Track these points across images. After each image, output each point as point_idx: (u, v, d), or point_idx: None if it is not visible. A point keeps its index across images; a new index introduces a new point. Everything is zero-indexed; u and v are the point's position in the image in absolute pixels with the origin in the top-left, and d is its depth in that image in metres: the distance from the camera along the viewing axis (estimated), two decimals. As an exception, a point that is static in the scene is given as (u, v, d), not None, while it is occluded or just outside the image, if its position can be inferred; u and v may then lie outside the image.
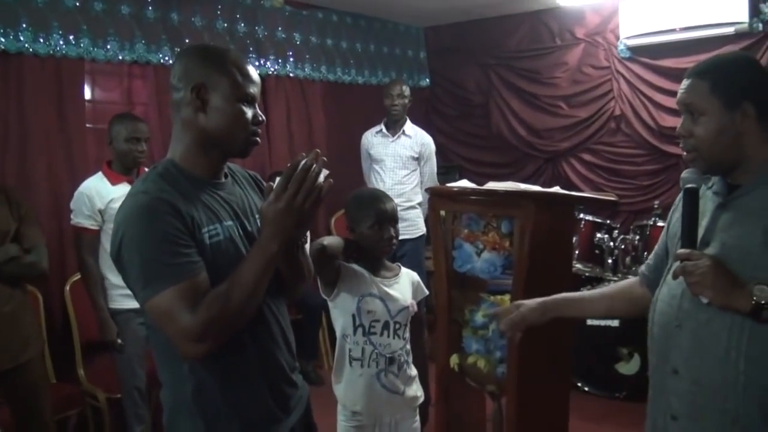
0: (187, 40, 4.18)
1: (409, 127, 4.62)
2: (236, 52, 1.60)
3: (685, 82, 1.59)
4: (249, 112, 1.53)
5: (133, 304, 3.18)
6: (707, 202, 1.61)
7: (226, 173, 1.63)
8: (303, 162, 1.41)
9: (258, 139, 1.58)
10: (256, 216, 1.62)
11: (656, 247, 1.84)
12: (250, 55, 4.61)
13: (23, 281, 2.89)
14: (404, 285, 2.41)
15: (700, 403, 1.53)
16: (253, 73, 1.56)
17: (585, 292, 2.03)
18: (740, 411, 1.46)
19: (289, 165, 1.43)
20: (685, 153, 1.61)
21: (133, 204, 1.44)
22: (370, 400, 2.30)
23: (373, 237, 2.32)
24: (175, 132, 1.56)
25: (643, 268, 1.90)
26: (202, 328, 1.37)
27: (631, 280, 1.97)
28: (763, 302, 1.40)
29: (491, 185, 2.69)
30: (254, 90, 1.54)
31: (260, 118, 1.56)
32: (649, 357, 1.72)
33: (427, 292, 2.53)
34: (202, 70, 1.50)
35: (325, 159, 1.45)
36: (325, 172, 1.44)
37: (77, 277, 3.49)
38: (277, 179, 1.43)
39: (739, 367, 1.46)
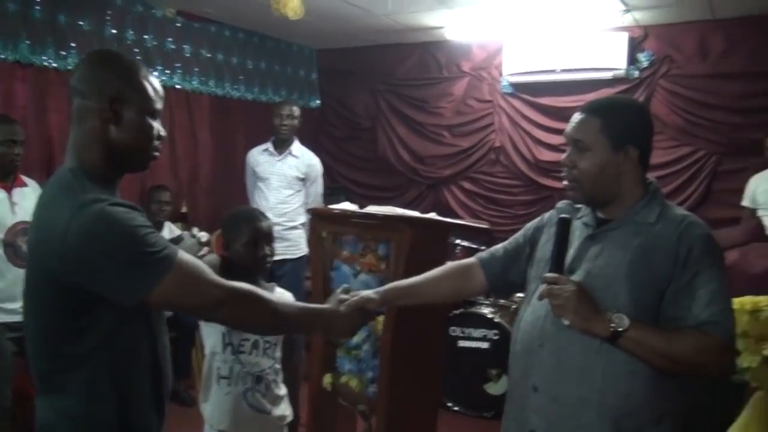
0: (73, 44, 4.03)
1: (296, 147, 4.63)
2: (143, 64, 1.59)
3: (577, 116, 1.68)
4: (155, 127, 1.55)
5: (3, 318, 3.04)
6: (575, 230, 1.71)
7: None
8: None
9: (157, 153, 1.59)
10: None
11: (508, 243, 1.92)
12: (137, 64, 4.48)
13: None
14: None
15: (557, 419, 1.62)
16: (160, 88, 1.58)
17: (419, 277, 1.98)
18: (595, 426, 1.57)
19: None
20: (565, 182, 1.71)
21: (93, 214, 1.38)
22: (236, 419, 2.29)
23: (248, 255, 2.33)
24: (79, 140, 1.51)
25: (484, 254, 1.96)
26: (228, 291, 1.49)
27: (465, 261, 1.98)
28: (620, 330, 1.52)
29: (371, 209, 2.76)
30: (161, 105, 1.57)
31: (163, 133, 1.58)
32: (509, 373, 1.81)
33: None
34: (116, 82, 1.49)
35: None
36: None
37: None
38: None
39: (595, 386, 1.56)
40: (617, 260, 1.60)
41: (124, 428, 1.50)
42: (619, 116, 1.65)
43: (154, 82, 1.55)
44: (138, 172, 1.64)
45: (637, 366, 1.55)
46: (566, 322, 1.58)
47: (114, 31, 4.33)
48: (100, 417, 1.48)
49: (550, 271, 1.63)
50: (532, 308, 1.73)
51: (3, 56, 3.71)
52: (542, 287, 1.62)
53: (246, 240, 2.32)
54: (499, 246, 1.96)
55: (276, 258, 3.97)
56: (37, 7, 3.86)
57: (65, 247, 1.38)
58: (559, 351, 1.62)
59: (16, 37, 3.76)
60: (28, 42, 3.81)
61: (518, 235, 1.92)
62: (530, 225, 1.91)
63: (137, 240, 1.39)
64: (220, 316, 1.56)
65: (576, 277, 1.63)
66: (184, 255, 1.48)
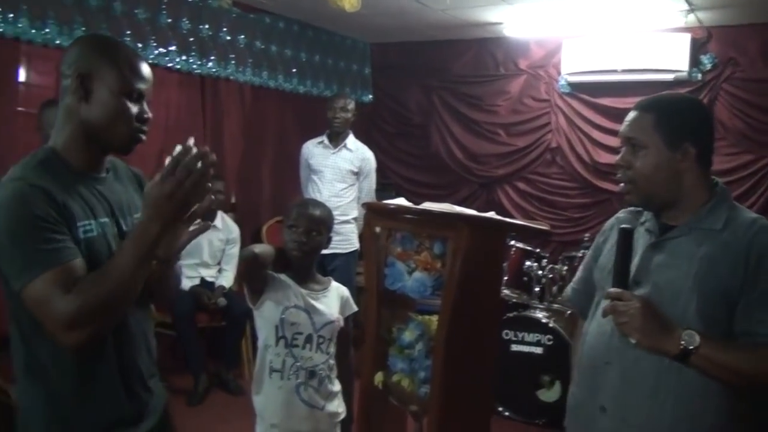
0: (128, 32, 4.05)
1: (351, 141, 4.59)
2: (130, 47, 1.58)
3: (631, 114, 1.61)
4: (134, 108, 1.50)
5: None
6: (639, 238, 1.61)
7: (108, 168, 1.59)
8: (194, 149, 1.35)
9: (142, 136, 1.53)
10: (135, 216, 1.58)
11: (581, 271, 1.85)
12: (192, 53, 4.49)
13: None
14: (332, 299, 2.37)
15: None
16: (146, 69, 1.53)
17: None
18: None
19: (180, 150, 1.35)
20: (621, 184, 1.63)
21: (5, 191, 1.38)
22: (288, 414, 2.25)
23: (286, 238, 2.30)
24: (59, 120, 1.51)
25: (571, 293, 1.90)
26: (77, 312, 1.32)
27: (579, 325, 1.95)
28: (690, 348, 1.42)
29: (427, 205, 2.68)
30: (143, 86, 1.51)
31: (146, 116, 1.52)
32: (574, 390, 1.72)
33: (356, 308, 2.50)
34: (90, 60, 1.47)
35: (214, 156, 1.40)
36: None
37: None
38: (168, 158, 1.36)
39: (667, 407, 1.47)
40: (683, 272, 1.50)
41: (85, 409, 1.47)
42: (673, 112, 1.57)
43: (135, 62, 1.51)
44: (120, 153, 1.58)
45: (709, 384, 1.46)
46: (632, 341, 1.49)
47: (169, 21, 4.34)
48: (57, 397, 1.46)
49: (613, 285, 1.54)
50: (597, 323, 1.64)
51: (58, 42, 3.72)
52: (606, 302, 1.53)
53: (289, 223, 2.28)
54: (576, 277, 1.91)
55: (327, 252, 3.99)
56: (93, -5, 3.89)
57: None
58: (627, 369, 1.54)
59: (71, 23, 3.77)
60: (83, 28, 3.81)
61: (588, 257, 1.84)
62: (594, 243, 1.84)
63: (28, 228, 1.35)
64: (70, 340, 1.35)
65: (642, 290, 1.54)
66: (76, 263, 1.37)
